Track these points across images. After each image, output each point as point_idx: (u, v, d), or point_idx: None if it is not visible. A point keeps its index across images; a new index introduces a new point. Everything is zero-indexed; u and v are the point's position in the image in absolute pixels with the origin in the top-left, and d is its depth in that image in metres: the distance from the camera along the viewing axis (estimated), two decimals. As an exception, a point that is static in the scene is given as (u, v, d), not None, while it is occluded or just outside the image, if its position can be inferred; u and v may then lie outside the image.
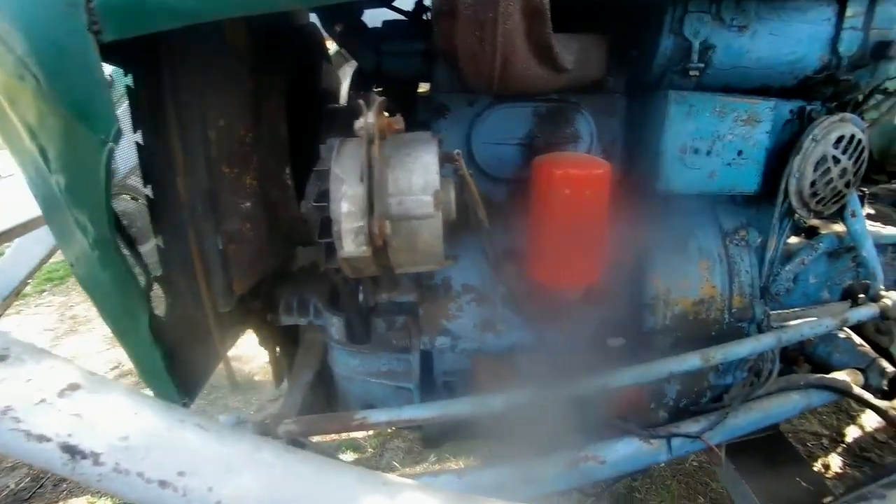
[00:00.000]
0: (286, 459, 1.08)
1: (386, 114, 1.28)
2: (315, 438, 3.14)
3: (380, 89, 1.96)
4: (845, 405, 3.25)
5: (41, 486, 3.08)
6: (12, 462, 3.24)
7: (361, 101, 1.25)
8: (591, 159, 1.63)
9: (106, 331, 4.41)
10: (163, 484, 0.99)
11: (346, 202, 1.22)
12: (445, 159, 1.38)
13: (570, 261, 1.60)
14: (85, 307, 4.82)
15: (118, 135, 1.35)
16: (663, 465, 2.87)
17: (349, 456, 2.98)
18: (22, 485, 3.11)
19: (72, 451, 1.00)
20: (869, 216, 2.44)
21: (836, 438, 3.09)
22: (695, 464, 2.92)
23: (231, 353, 3.93)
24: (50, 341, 4.49)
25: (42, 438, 1.02)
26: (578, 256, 1.60)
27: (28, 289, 5.16)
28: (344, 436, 3.16)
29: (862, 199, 2.40)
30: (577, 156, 1.75)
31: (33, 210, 3.19)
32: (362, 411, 1.56)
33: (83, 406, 1.06)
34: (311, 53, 2.01)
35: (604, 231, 1.63)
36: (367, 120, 1.22)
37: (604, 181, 1.54)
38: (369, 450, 3.03)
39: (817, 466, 2.89)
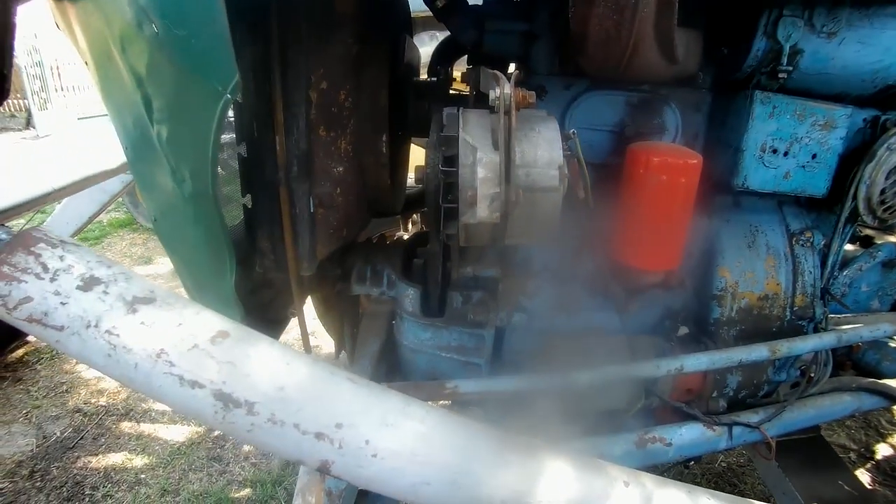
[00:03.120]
0: (434, 415, 1.10)
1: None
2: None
3: (470, 67, 2.00)
4: (874, 421, 3.32)
5: (82, 437, 3.15)
6: (57, 411, 3.30)
7: (498, 74, 1.29)
8: (685, 150, 1.68)
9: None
10: (319, 436, 1.00)
11: (482, 168, 1.26)
12: (563, 138, 1.43)
13: (658, 245, 1.66)
14: (119, 268, 4.80)
15: (236, 88, 1.36)
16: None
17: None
18: (66, 434, 3.18)
19: (225, 399, 1.00)
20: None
21: (864, 454, 3.14)
22: (723, 464, 2.98)
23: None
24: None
25: (195, 384, 1.01)
26: (666, 241, 1.66)
27: (63, 248, 5.17)
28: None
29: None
30: (672, 146, 1.80)
31: (81, 171, 3.23)
32: (453, 381, 1.60)
33: (235, 354, 1.05)
34: (401, 26, 2.05)
35: (689, 219, 1.68)
36: (504, 90, 1.26)
37: (696, 171, 1.60)
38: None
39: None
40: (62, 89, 13.00)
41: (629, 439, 1.77)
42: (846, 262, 2.19)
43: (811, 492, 2.14)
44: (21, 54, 12.12)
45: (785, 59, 1.72)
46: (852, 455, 3.11)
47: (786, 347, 1.84)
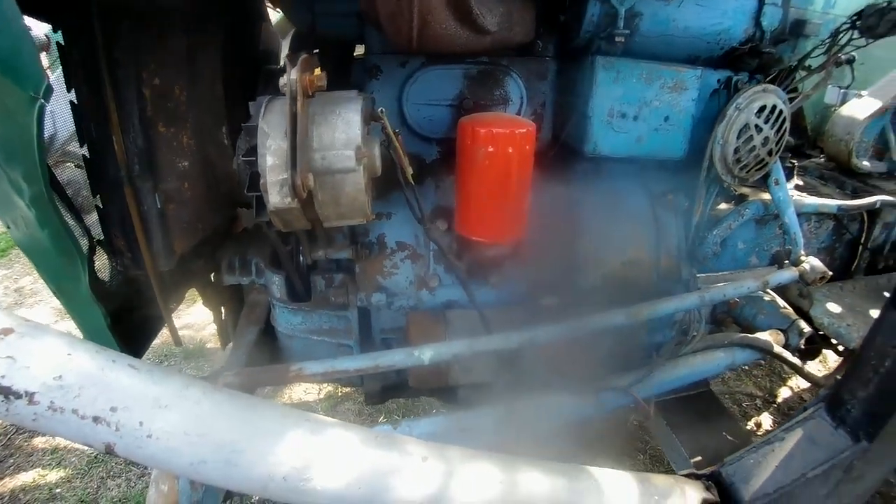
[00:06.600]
0: (214, 396, 1.13)
1: (316, 72, 1.32)
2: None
3: (317, 51, 1.98)
4: (779, 368, 3.41)
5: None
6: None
7: (287, 59, 1.28)
8: (515, 119, 1.68)
9: (55, 303, 4.38)
10: (97, 420, 1.03)
11: (271, 156, 1.26)
12: (371, 117, 1.43)
13: (494, 216, 1.67)
14: (31, 279, 4.69)
15: (48, 91, 1.34)
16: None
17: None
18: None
19: (5, 392, 1.02)
20: (797, 187, 2.55)
21: (769, 399, 3.24)
22: (636, 423, 3.04)
23: (183, 320, 3.94)
24: (-6, 315, 4.32)
25: (-26, 381, 1.04)
26: (502, 212, 1.67)
27: (-30, 262, 5.03)
28: (296, 398, 3.22)
29: (792, 170, 2.51)
30: (502, 115, 1.81)
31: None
32: (298, 363, 1.61)
33: (17, 349, 1.07)
34: (250, 15, 2.02)
35: (527, 188, 1.69)
36: (290, 76, 1.25)
37: (527, 140, 1.60)
38: (320, 412, 3.09)
39: (751, 425, 3.05)
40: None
41: (491, 412, 1.79)
42: (718, 222, 2.23)
43: (696, 444, 2.20)
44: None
45: (621, 23, 1.72)
46: (758, 401, 3.22)
47: (645, 311, 1.86)
